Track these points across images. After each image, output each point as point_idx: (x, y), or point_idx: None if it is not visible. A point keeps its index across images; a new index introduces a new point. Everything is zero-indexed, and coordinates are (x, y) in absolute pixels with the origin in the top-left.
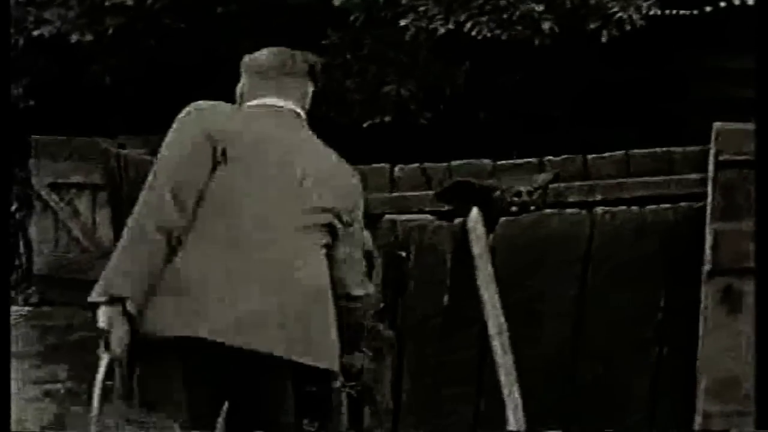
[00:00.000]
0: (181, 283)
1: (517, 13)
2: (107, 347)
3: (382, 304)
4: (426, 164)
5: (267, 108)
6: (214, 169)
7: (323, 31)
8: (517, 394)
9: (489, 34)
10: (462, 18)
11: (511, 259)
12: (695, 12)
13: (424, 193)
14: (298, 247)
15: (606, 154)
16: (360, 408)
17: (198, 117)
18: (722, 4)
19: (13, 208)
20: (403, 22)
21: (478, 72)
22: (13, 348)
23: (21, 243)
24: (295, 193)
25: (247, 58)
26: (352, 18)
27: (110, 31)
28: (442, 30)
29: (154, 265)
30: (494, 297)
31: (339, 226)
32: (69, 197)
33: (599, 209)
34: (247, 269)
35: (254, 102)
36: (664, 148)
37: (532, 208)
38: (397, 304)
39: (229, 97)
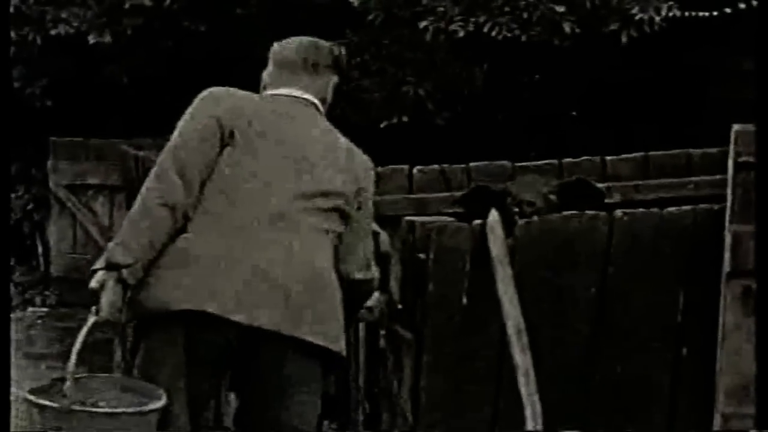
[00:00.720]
0: (187, 260)
1: (537, 14)
2: (97, 310)
3: (400, 306)
4: (444, 165)
5: (284, 97)
6: (222, 150)
7: (342, 30)
8: (535, 396)
9: (509, 35)
10: (482, 19)
11: (530, 261)
12: (715, 13)
13: (443, 194)
14: (303, 229)
15: (624, 156)
16: (378, 409)
17: (210, 100)
18: (741, 5)
19: (30, 208)
20: (422, 24)
21: (497, 72)
22: (31, 349)
23: (39, 244)
24: (301, 176)
25: (275, 47)
26: (370, 17)
27: (128, 32)
28: (461, 32)
29: (155, 238)
30: (513, 298)
31: (347, 209)
32: (86, 198)
33: (618, 211)
34: (250, 249)
35: (274, 91)
36: (683, 150)
37: (535, 218)
38: (417, 305)
39: None
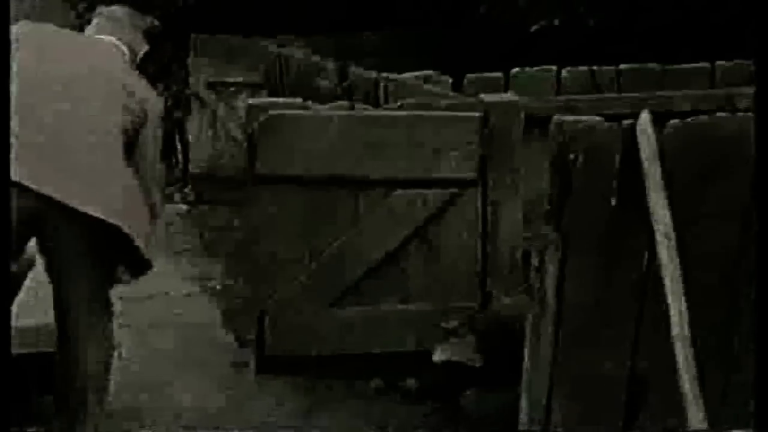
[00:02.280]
0: None
1: None
2: None
3: (548, 207)
4: (594, 67)
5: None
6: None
7: None
8: (681, 298)
9: None
10: None
11: (681, 163)
12: None
13: (592, 96)
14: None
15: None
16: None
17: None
18: None
19: (170, 105)
20: None
21: None
22: (171, 245)
23: (178, 142)
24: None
25: (104, 11)
26: None
27: None
28: None
29: None
30: (662, 201)
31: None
32: (227, 96)
33: None
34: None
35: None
36: None
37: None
38: (563, 205)
39: None
